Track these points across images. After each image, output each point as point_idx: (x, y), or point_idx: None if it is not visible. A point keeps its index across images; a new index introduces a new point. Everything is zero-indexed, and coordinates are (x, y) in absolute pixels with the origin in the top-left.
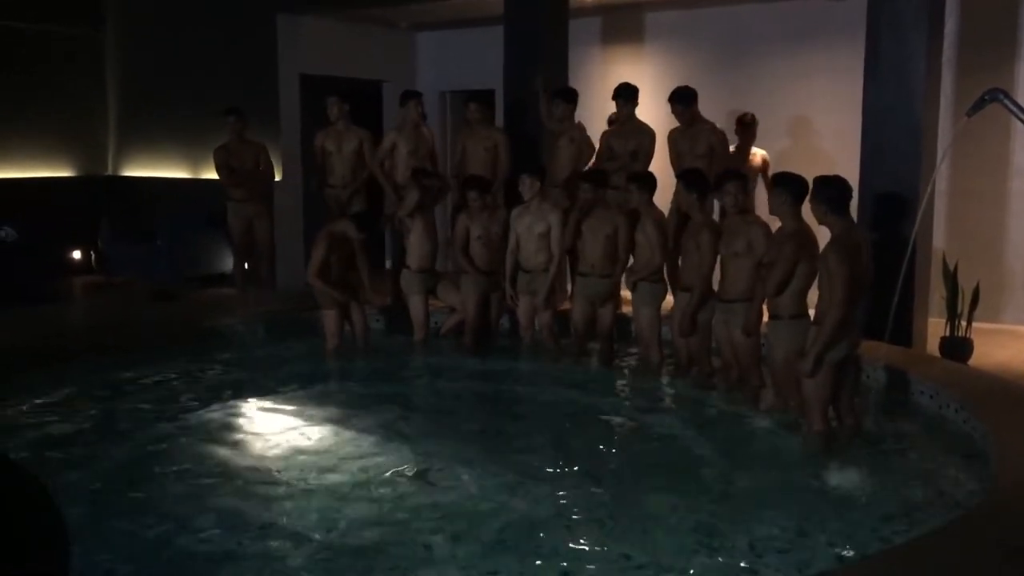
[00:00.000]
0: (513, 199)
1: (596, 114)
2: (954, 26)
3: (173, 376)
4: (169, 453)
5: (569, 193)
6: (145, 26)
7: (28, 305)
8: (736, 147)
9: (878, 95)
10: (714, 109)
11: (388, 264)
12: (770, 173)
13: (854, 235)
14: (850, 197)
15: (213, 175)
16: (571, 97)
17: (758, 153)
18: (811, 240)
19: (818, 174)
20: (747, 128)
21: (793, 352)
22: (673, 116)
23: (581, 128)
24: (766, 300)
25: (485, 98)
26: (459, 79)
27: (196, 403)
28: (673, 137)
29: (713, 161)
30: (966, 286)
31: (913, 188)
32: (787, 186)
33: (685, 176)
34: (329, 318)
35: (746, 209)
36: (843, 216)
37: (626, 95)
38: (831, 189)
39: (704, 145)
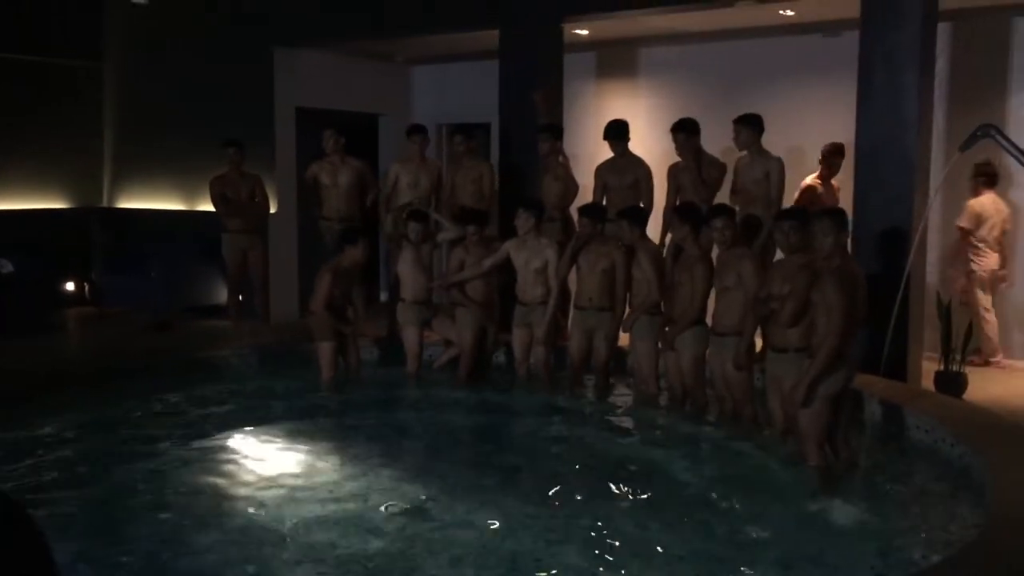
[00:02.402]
0: (508, 231)
1: (591, 148)
2: (945, 63)
3: (166, 407)
4: (160, 486)
5: (560, 229)
6: (143, 59)
7: (22, 336)
8: (820, 176)
9: (871, 130)
10: (709, 144)
11: (384, 296)
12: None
13: (851, 267)
14: (848, 229)
15: (208, 207)
16: (557, 133)
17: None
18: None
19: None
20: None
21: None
22: (672, 148)
23: (565, 165)
24: (778, 333)
25: (471, 131)
26: (455, 113)
27: (189, 434)
28: (674, 171)
29: (715, 194)
30: (960, 322)
31: (906, 222)
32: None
33: (679, 209)
34: (324, 350)
35: (736, 243)
36: (841, 248)
37: (614, 133)
38: (832, 221)
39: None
